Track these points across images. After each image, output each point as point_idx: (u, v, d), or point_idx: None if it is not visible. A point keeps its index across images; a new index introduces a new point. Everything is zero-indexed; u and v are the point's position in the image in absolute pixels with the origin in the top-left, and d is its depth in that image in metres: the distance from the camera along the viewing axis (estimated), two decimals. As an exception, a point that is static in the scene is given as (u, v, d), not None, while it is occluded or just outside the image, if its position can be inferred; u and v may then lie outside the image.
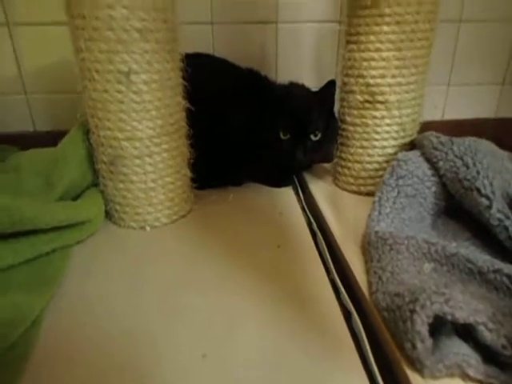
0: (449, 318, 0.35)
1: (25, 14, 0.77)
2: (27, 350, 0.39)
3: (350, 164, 0.70)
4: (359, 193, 0.71)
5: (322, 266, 0.52)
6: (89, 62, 0.52)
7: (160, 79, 0.55)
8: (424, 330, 0.35)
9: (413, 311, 0.36)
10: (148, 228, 0.62)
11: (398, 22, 0.59)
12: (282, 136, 0.67)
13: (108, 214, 0.63)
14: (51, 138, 0.75)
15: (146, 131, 0.56)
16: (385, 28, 0.59)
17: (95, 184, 0.63)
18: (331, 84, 0.68)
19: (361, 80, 0.64)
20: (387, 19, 0.59)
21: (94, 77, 0.52)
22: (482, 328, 0.34)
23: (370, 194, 0.68)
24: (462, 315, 0.34)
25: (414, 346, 0.35)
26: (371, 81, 0.63)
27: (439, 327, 0.36)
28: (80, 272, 0.51)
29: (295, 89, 0.73)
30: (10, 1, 0.76)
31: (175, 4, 0.56)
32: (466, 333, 0.36)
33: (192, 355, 0.39)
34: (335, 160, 0.74)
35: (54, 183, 0.59)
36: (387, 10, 0.58)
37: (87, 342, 0.40)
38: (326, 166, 0.81)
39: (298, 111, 0.67)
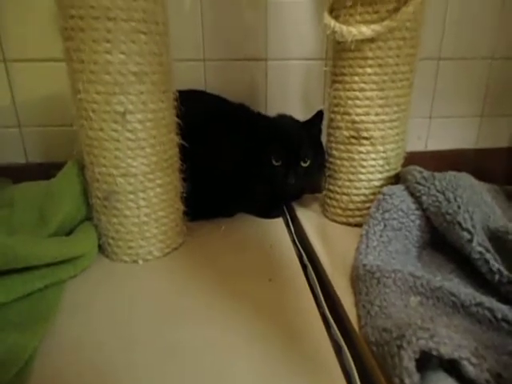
0: (434, 353, 0.36)
1: (20, 51, 0.79)
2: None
3: (338, 196, 0.73)
4: (348, 224, 0.73)
5: (312, 300, 0.53)
6: (86, 102, 0.54)
7: (154, 118, 0.57)
8: (411, 365, 0.36)
9: (400, 347, 0.37)
10: (140, 261, 0.62)
11: (380, 65, 0.62)
12: (274, 162, 0.70)
13: (101, 248, 0.63)
14: (43, 170, 0.76)
15: (141, 168, 0.57)
16: (368, 70, 0.63)
17: (89, 218, 0.64)
18: (320, 114, 0.72)
19: (346, 117, 0.67)
20: (370, 62, 0.63)
21: (90, 116, 0.54)
22: (465, 363, 0.35)
23: (358, 224, 0.70)
24: (447, 351, 0.36)
25: (402, 382, 0.36)
26: (356, 118, 0.66)
27: (426, 362, 0.37)
28: (72, 308, 0.51)
29: (285, 119, 0.76)
30: (7, 38, 0.78)
31: (170, 48, 0.59)
32: (452, 367, 0.37)
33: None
34: (324, 192, 0.77)
35: (48, 218, 0.60)
36: (370, 54, 0.62)
37: (79, 381, 0.41)
38: (317, 196, 0.84)
39: (289, 139, 0.70)
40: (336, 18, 0.63)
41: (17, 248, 0.49)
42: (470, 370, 0.35)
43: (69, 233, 0.62)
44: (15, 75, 0.81)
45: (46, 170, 0.72)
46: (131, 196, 0.59)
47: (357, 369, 0.42)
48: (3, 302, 0.49)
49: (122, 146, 0.56)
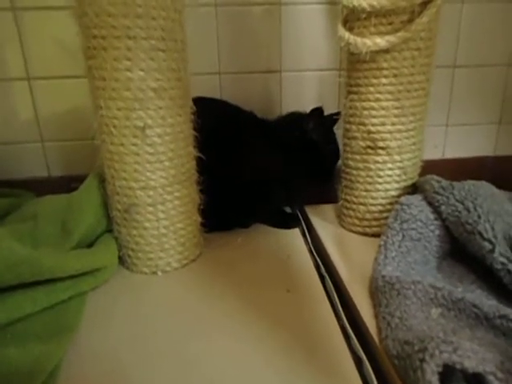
0: (458, 367, 0.35)
1: (42, 69, 0.82)
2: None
3: (354, 206, 0.73)
4: (365, 234, 0.73)
5: (331, 311, 0.53)
6: (107, 118, 0.55)
7: (173, 132, 0.58)
8: (434, 379, 0.35)
9: (422, 360, 0.37)
10: (159, 273, 0.63)
11: (395, 75, 0.63)
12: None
13: (121, 260, 0.64)
14: (64, 183, 0.78)
15: (160, 180, 0.59)
16: (383, 80, 0.63)
17: (109, 230, 0.65)
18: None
19: (362, 127, 0.67)
20: (385, 72, 0.63)
21: (111, 132, 0.56)
22: (491, 378, 0.35)
23: (376, 235, 0.70)
24: (471, 364, 0.35)
25: (425, 396, 0.36)
26: (372, 128, 0.66)
27: (449, 376, 0.37)
28: (93, 320, 0.52)
29: (314, 120, 0.76)
30: (30, 58, 0.81)
31: (187, 63, 0.60)
32: (476, 381, 0.37)
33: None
34: (340, 202, 0.76)
35: (71, 231, 0.61)
36: (384, 64, 0.62)
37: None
38: (333, 206, 0.84)
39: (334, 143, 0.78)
40: (350, 29, 0.64)
41: (42, 260, 0.50)
42: (496, 384, 0.35)
43: (90, 245, 0.63)
44: (38, 92, 0.84)
45: (67, 183, 0.75)
46: (150, 208, 0.60)
47: (378, 381, 0.42)
48: (29, 313, 0.50)
49: (141, 159, 0.57)
